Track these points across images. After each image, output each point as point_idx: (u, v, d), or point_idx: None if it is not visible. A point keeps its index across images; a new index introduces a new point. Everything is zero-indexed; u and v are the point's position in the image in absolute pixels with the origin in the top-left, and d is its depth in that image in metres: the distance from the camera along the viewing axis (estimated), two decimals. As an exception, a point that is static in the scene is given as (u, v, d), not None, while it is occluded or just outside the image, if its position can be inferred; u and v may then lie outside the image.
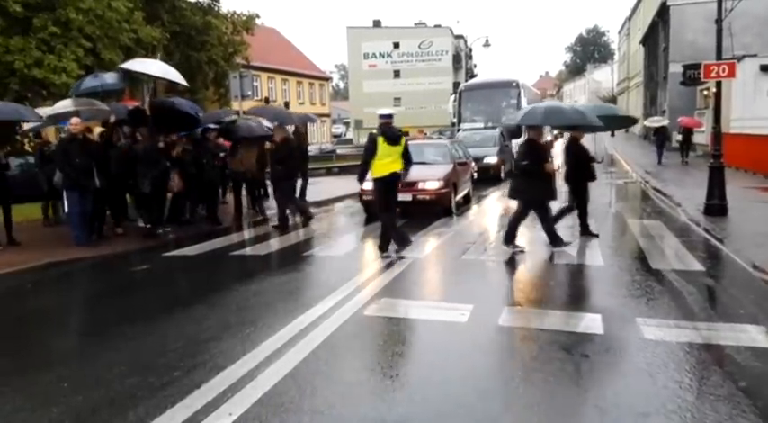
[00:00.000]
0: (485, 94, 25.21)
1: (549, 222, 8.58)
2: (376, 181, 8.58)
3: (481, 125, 23.62)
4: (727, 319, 5.37)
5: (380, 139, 8.35)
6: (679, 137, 24.62)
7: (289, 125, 13.06)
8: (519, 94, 24.64)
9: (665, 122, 26.43)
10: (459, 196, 12.95)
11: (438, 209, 11.72)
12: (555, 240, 8.47)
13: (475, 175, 15.67)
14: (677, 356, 4.50)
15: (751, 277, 6.92)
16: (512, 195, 8.77)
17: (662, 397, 3.81)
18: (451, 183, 11.98)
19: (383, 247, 8.59)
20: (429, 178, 11.57)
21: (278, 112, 12.34)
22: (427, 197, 11.45)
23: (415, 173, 10.31)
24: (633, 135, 47.40)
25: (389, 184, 8.59)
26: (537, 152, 8.43)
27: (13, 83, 16.64)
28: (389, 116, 8.72)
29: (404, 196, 10.38)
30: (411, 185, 10.94)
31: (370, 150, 8.43)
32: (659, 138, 24.68)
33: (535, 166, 8.25)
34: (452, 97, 26.83)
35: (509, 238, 8.51)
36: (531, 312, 5.65)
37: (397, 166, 8.55)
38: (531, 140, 8.66)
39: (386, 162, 8.41)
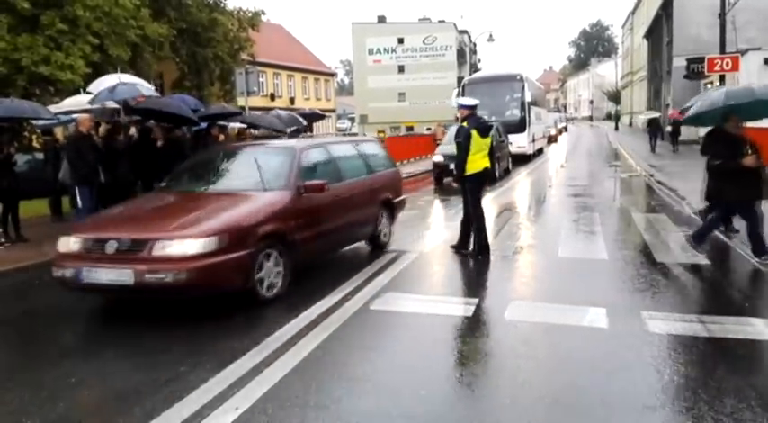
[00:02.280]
0: (488, 88, 24.41)
1: (757, 228, 7.05)
2: (470, 177, 7.85)
3: (484, 118, 23.57)
4: (732, 313, 5.35)
5: (474, 133, 7.69)
6: (669, 128, 27.54)
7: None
8: (523, 88, 24.28)
9: (657, 114, 30.98)
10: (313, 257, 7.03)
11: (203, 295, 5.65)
12: (760, 249, 6.98)
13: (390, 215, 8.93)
14: (683, 350, 4.49)
15: (757, 270, 6.90)
16: (709, 198, 7.72)
17: (668, 391, 3.81)
18: (256, 237, 5.76)
19: (481, 248, 7.83)
20: (179, 233, 5.43)
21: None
22: (167, 277, 5.17)
23: (155, 217, 6.11)
24: (637, 128, 47.24)
25: (482, 182, 8.07)
26: (732, 145, 7.01)
27: (20, 80, 16.72)
28: (474, 106, 8.06)
29: (113, 276, 5.30)
30: (134, 251, 5.36)
31: (465, 146, 7.68)
32: (652, 129, 27.63)
33: (730, 164, 6.90)
34: (455, 91, 25.95)
35: (699, 238, 7.44)
36: (537, 306, 5.65)
37: (487, 161, 7.97)
38: (721, 131, 7.28)
39: (478, 157, 7.78)
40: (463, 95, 23.12)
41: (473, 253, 7.85)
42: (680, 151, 25.15)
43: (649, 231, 9.20)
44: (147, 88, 11.29)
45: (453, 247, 8.12)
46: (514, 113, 24.11)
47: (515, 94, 24.38)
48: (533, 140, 25.92)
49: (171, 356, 4.64)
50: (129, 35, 19.50)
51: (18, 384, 4.29)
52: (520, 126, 23.64)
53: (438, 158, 17.71)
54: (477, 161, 7.82)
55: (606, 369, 4.21)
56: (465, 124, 7.84)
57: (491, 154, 8.15)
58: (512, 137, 22.29)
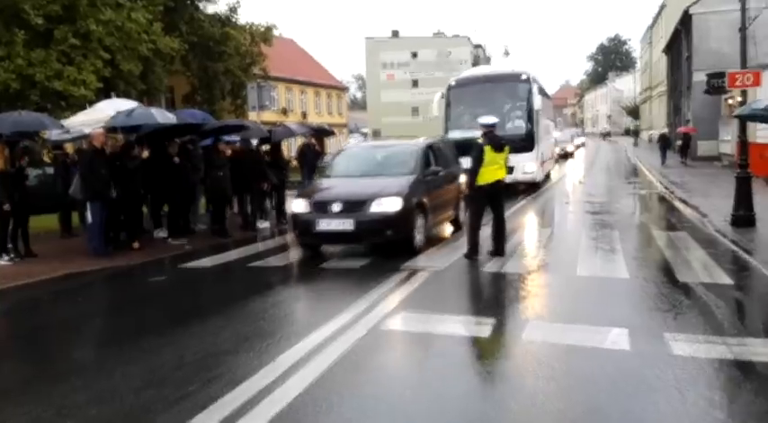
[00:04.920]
0: (483, 91, 18.34)
1: None
2: (480, 188, 8.72)
3: (477, 133, 18.56)
4: (758, 335, 5.21)
5: (488, 148, 8.62)
6: (679, 142, 29.85)
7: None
8: (530, 92, 18.09)
9: (666, 130, 34.86)
10: None
11: None
12: None
13: None
14: (707, 373, 4.36)
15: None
16: None
17: (692, 415, 3.69)
18: None
19: (500, 252, 8.73)
20: None
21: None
22: None
23: None
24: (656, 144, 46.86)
25: (494, 191, 8.83)
26: None
27: (33, 94, 16.96)
28: (493, 125, 9.00)
29: None
30: None
31: (477, 160, 8.61)
32: (662, 143, 29.71)
33: None
34: (438, 95, 19.56)
35: None
36: (555, 327, 5.51)
37: (502, 174, 8.86)
38: None
39: (492, 169, 8.69)
40: (448, 100, 18.96)
41: (467, 253, 8.69)
42: (688, 164, 27.42)
43: (671, 249, 9.04)
44: (162, 115, 11.29)
45: (490, 252, 8.84)
46: (518, 125, 18.15)
47: (519, 101, 18.33)
48: (542, 163, 20.12)
49: (182, 374, 4.60)
50: (140, 49, 19.72)
51: (29, 400, 4.26)
52: (526, 143, 17.70)
53: (300, 207, 9.26)
54: (492, 172, 8.68)
55: (628, 392, 4.08)
56: (480, 140, 8.76)
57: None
58: (515, 158, 15.38)
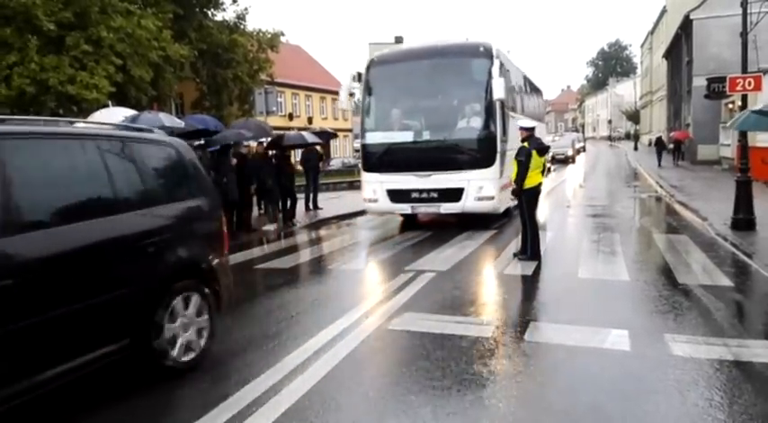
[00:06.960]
0: (420, 72, 12.20)
1: None
2: (528, 191, 8.87)
3: (408, 137, 12.05)
4: (757, 336, 5.27)
5: (535, 153, 8.74)
6: (671, 146, 32.30)
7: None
8: (489, 72, 11.37)
9: (661, 134, 38.17)
10: None
11: None
12: None
13: None
14: (707, 374, 4.41)
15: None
16: None
17: (692, 415, 3.74)
18: None
19: (525, 252, 8.81)
20: None
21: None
22: None
23: None
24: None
25: (537, 194, 9.10)
26: None
27: (49, 100, 17.16)
28: (533, 128, 9.07)
29: None
30: None
31: (525, 165, 8.72)
32: (658, 146, 31.72)
33: None
34: (351, 77, 13.07)
35: None
36: (557, 328, 5.58)
37: (541, 177, 9.13)
38: None
39: (536, 173, 8.89)
40: (368, 86, 12.63)
41: (526, 257, 8.68)
42: (680, 165, 29.69)
43: (671, 252, 9.09)
44: (170, 120, 11.36)
45: (515, 254, 8.96)
46: (472, 126, 11.86)
47: (475, 87, 11.87)
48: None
49: (190, 374, 4.64)
50: (151, 56, 19.95)
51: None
52: (482, 153, 11.54)
53: None
54: (533, 177, 8.85)
55: (629, 393, 4.14)
56: (526, 145, 8.80)
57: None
58: (466, 175, 11.47)
